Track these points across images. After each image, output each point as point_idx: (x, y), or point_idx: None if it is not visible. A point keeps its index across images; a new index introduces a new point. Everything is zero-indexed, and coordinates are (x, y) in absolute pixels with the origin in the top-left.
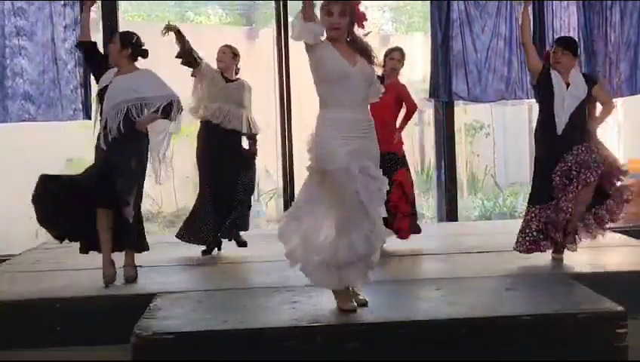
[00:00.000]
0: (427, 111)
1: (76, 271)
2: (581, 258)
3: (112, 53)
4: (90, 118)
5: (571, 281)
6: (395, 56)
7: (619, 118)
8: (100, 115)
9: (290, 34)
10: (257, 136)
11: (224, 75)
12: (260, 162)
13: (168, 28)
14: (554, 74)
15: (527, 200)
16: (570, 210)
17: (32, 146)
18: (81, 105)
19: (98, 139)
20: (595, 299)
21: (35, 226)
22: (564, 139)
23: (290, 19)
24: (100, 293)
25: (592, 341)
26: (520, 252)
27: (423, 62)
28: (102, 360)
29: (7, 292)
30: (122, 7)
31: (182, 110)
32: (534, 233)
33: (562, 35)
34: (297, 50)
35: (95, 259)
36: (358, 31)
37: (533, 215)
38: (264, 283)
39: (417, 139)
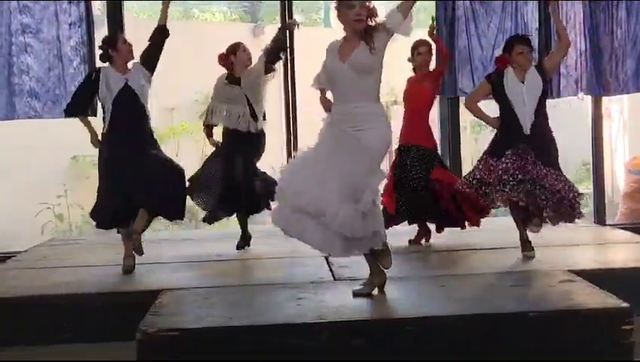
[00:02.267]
0: (433, 108)
1: (82, 267)
2: (586, 254)
3: (128, 53)
4: (95, 116)
5: (576, 278)
6: (423, 50)
7: (624, 115)
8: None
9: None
10: None
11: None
12: (265, 160)
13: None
14: (510, 79)
15: None
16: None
17: (38, 144)
18: None
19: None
20: (601, 296)
21: (40, 223)
22: (531, 136)
23: (294, 16)
24: (106, 290)
25: (597, 338)
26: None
27: None
28: (104, 360)
29: (13, 289)
30: (127, 5)
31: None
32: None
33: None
34: (303, 47)
35: (100, 256)
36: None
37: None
38: (269, 280)
39: None
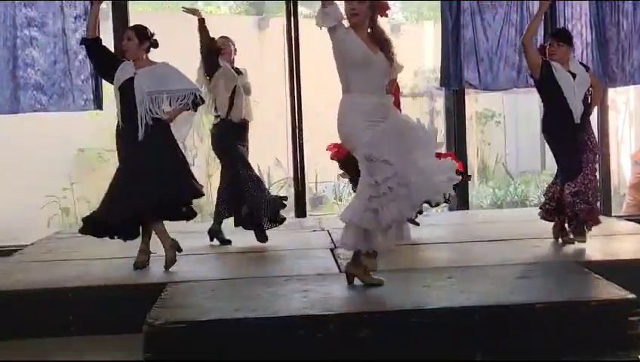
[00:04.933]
0: (438, 100)
1: (88, 260)
2: (593, 246)
3: (130, 49)
4: (101, 109)
5: (584, 269)
6: None
7: (630, 106)
8: (123, 108)
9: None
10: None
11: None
12: (270, 151)
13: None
14: (557, 68)
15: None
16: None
17: (44, 138)
18: (92, 96)
19: (123, 132)
20: (608, 287)
21: (47, 216)
22: (581, 124)
23: (300, 8)
24: (112, 283)
25: (604, 329)
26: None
27: (433, 51)
28: (110, 353)
29: (19, 282)
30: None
31: (203, 102)
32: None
33: (574, 22)
34: (307, 39)
35: (106, 249)
36: (379, 24)
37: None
38: (276, 272)
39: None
